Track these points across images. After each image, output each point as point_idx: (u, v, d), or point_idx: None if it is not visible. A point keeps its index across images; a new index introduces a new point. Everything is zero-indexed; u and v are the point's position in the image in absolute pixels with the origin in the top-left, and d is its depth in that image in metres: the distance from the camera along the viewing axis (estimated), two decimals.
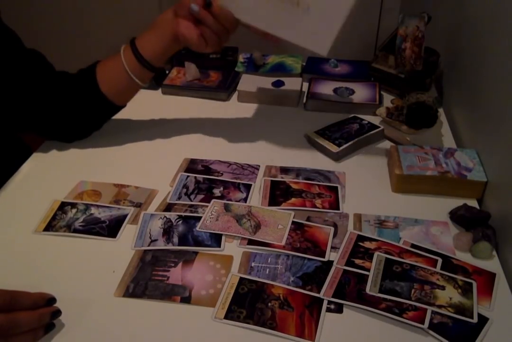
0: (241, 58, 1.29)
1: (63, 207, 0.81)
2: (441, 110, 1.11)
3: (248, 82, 1.18)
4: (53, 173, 0.91)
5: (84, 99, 0.92)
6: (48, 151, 0.97)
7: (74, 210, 0.80)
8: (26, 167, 0.92)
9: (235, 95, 1.18)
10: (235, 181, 0.89)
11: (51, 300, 0.61)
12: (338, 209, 0.82)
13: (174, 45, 0.86)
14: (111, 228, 0.77)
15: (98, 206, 0.81)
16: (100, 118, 0.98)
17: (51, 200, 0.83)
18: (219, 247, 0.74)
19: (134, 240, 0.75)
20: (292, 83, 1.17)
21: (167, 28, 0.84)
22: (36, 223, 0.78)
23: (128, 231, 0.77)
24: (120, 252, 0.73)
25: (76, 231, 0.77)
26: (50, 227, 0.77)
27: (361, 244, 0.74)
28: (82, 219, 0.79)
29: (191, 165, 0.93)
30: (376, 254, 0.72)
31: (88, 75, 0.91)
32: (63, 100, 0.91)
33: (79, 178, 0.88)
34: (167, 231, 0.77)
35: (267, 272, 0.70)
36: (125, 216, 0.80)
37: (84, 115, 0.95)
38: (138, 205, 0.83)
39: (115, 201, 0.83)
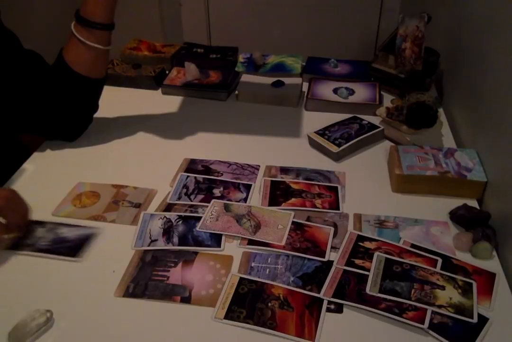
0: (241, 58, 1.29)
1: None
2: (441, 110, 1.11)
3: (248, 82, 1.18)
4: (53, 174, 0.91)
5: (65, 86, 0.92)
6: (48, 152, 0.96)
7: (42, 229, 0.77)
8: (25, 168, 0.92)
9: (235, 95, 1.18)
10: (235, 181, 0.89)
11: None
12: (338, 209, 0.82)
13: None
14: (75, 248, 0.74)
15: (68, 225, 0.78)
16: (90, 98, 0.98)
17: (50, 200, 0.83)
18: (219, 247, 0.74)
19: (134, 240, 0.75)
20: (292, 83, 1.17)
21: None
22: None
23: (128, 231, 0.77)
24: (120, 252, 0.73)
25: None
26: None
27: (361, 244, 0.74)
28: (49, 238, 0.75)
29: (191, 166, 0.93)
30: (376, 254, 0.72)
31: (59, 63, 0.91)
32: (57, 93, 0.91)
33: (78, 179, 0.88)
34: (167, 231, 0.77)
35: (267, 272, 0.70)
36: (90, 235, 0.76)
37: (74, 100, 0.94)
38: (137, 205, 0.82)
39: (113, 202, 0.83)
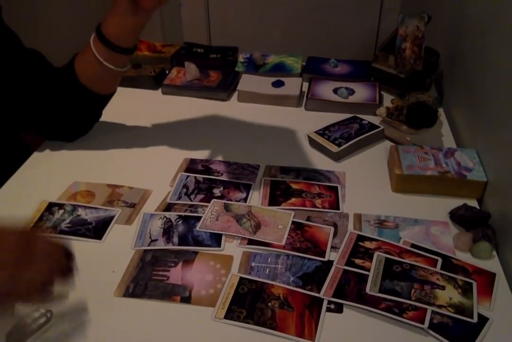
0: (241, 58, 1.29)
1: (50, 208, 0.80)
2: (441, 110, 1.11)
3: (248, 82, 1.18)
4: (53, 174, 0.91)
5: (68, 94, 0.90)
6: (48, 152, 0.96)
7: (61, 211, 0.79)
8: (25, 168, 0.92)
9: (235, 95, 1.18)
10: (235, 180, 0.89)
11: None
12: (338, 208, 0.82)
13: (136, 18, 0.81)
14: (97, 230, 0.77)
15: (85, 207, 0.81)
16: (93, 110, 0.97)
17: (49, 198, 0.82)
18: (219, 247, 0.74)
19: (134, 240, 0.75)
20: (292, 83, 1.17)
21: (123, 2, 0.79)
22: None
23: (128, 231, 0.77)
24: (120, 252, 0.73)
25: (62, 232, 0.76)
26: (36, 227, 0.76)
27: (361, 244, 0.74)
28: (68, 220, 0.78)
29: (191, 165, 0.93)
30: (376, 254, 0.72)
31: (68, 69, 0.89)
32: (59, 98, 0.91)
33: (78, 178, 0.88)
34: (167, 231, 0.77)
35: (267, 272, 0.70)
36: (112, 217, 0.79)
37: (76, 110, 0.93)
38: (132, 206, 0.82)
39: (108, 202, 0.83)
